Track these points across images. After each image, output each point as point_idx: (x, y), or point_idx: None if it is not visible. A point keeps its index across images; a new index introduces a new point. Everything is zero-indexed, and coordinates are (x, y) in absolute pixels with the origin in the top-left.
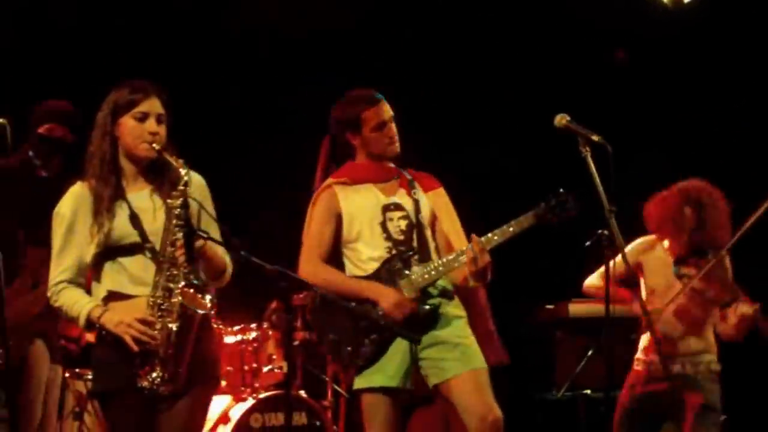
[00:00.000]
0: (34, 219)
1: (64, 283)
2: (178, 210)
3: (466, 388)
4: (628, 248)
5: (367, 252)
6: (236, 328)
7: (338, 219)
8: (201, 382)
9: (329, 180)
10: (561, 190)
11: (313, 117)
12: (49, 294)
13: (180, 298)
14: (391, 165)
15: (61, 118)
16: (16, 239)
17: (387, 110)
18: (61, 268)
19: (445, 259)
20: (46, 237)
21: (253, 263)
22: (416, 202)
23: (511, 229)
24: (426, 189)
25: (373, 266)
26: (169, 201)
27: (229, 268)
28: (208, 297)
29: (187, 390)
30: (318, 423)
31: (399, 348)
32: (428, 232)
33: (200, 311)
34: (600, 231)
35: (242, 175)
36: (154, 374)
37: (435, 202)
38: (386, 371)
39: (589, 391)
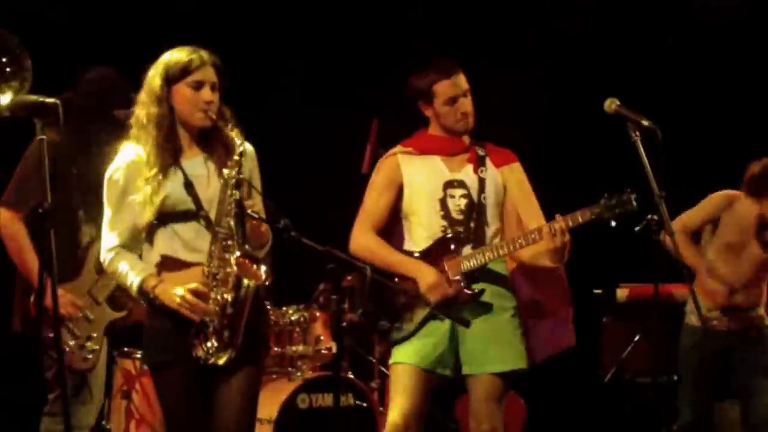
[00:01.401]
0: (90, 196)
1: (118, 248)
2: (234, 181)
3: (480, 390)
4: (707, 200)
5: (422, 227)
6: (284, 308)
7: (398, 189)
8: (256, 352)
9: (395, 148)
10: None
11: (365, 97)
12: (102, 259)
13: (236, 268)
14: (465, 139)
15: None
16: (76, 219)
17: (461, 83)
18: (114, 232)
19: (500, 243)
20: (98, 211)
21: (303, 244)
22: (482, 181)
23: (588, 215)
24: (498, 164)
25: (426, 243)
26: (225, 171)
27: (270, 242)
28: (263, 268)
29: (242, 361)
30: (365, 404)
31: (436, 331)
32: (489, 214)
33: (256, 282)
34: (649, 216)
35: (293, 150)
36: (209, 344)
37: (507, 178)
38: (418, 351)
39: (635, 377)
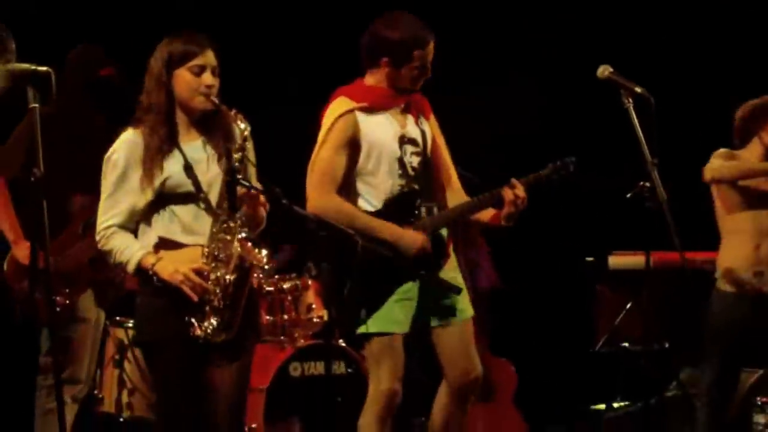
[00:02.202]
0: (77, 165)
1: (114, 227)
2: (239, 164)
3: (454, 338)
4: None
5: (383, 187)
6: (276, 277)
7: (355, 148)
8: (251, 331)
9: (349, 104)
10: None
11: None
12: (97, 238)
13: (239, 249)
14: None
15: (112, 61)
16: (62, 187)
17: (432, 50)
18: (112, 212)
19: (465, 203)
20: (89, 183)
21: (295, 212)
22: (423, 134)
23: (540, 179)
24: (426, 115)
25: (381, 203)
26: (234, 155)
27: (263, 221)
28: (264, 252)
29: (238, 340)
30: (357, 372)
31: (408, 293)
32: (432, 167)
33: (257, 264)
34: (642, 183)
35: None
36: (207, 323)
37: (433, 128)
38: (396, 317)
39: (627, 345)
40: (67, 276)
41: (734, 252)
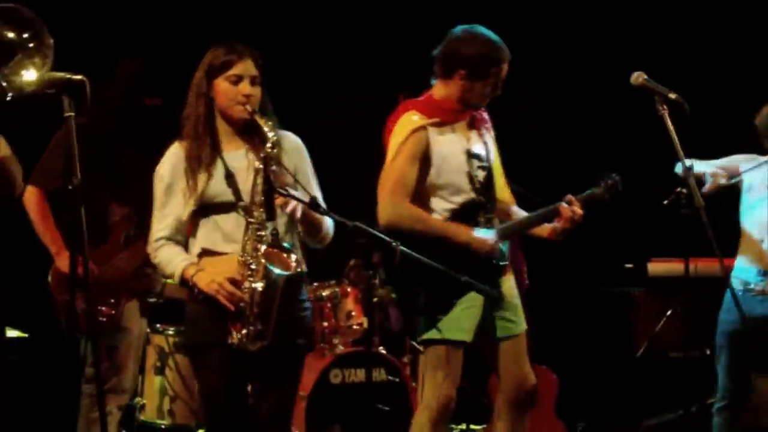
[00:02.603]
0: (115, 176)
1: (163, 240)
2: (272, 172)
3: (511, 350)
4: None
5: (453, 200)
6: (315, 284)
7: (427, 162)
8: (293, 342)
9: (420, 118)
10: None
11: (394, 76)
12: (148, 250)
13: (263, 259)
14: None
15: (154, 84)
16: (101, 197)
17: (506, 70)
18: (160, 225)
19: (529, 217)
20: (129, 195)
21: (335, 220)
22: (486, 148)
23: (594, 197)
24: (489, 130)
25: (449, 215)
26: (256, 162)
27: (327, 227)
28: (293, 257)
29: (279, 350)
30: (397, 379)
31: (475, 301)
32: (493, 180)
33: (285, 272)
34: (678, 189)
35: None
36: (243, 332)
37: (493, 144)
38: (462, 325)
39: (667, 352)
40: (112, 286)
41: (741, 250)
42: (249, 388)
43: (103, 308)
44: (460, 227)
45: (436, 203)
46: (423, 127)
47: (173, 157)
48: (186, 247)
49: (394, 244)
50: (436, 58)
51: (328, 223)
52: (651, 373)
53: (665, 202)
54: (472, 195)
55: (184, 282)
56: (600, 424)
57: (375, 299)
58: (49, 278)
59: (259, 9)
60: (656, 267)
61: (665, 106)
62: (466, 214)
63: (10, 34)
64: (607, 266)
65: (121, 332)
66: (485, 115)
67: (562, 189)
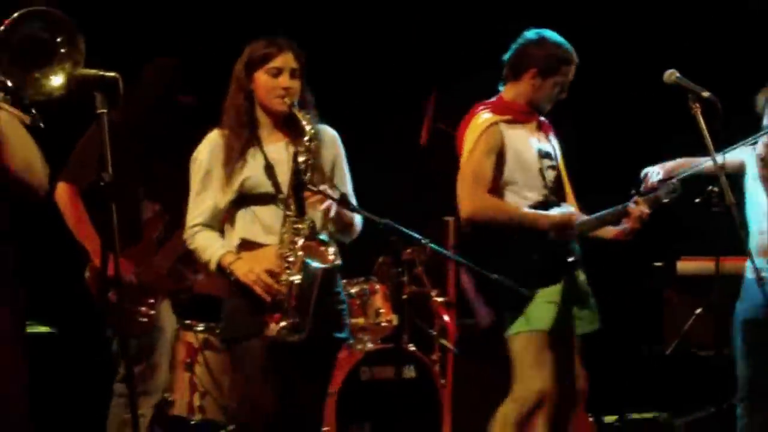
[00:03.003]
0: (148, 174)
1: (200, 226)
2: (304, 166)
3: (576, 349)
4: None
5: (527, 196)
6: (343, 281)
7: (501, 158)
8: (329, 334)
9: (492, 116)
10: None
11: (423, 69)
12: (184, 236)
13: (301, 252)
14: None
15: (186, 82)
16: (134, 195)
17: (573, 73)
18: (197, 211)
19: (605, 212)
20: (161, 194)
21: (364, 217)
22: (554, 150)
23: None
24: (554, 135)
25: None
26: (299, 156)
27: (355, 223)
28: (331, 250)
29: (315, 342)
30: (426, 377)
31: (553, 297)
32: (562, 184)
33: (322, 265)
34: (710, 188)
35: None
36: (281, 324)
37: (559, 154)
38: (546, 316)
39: (697, 350)
40: (150, 287)
41: (752, 237)
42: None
43: (143, 309)
44: (540, 213)
45: (510, 198)
46: (495, 123)
47: (212, 144)
48: (222, 234)
49: (424, 241)
50: (507, 61)
51: (357, 218)
52: (681, 370)
53: (697, 200)
54: (545, 192)
55: (221, 269)
56: (630, 420)
57: (404, 296)
58: (86, 274)
59: (294, 8)
60: (686, 265)
61: (698, 104)
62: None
63: (44, 37)
64: (637, 264)
65: (157, 332)
66: (549, 124)
67: (595, 188)
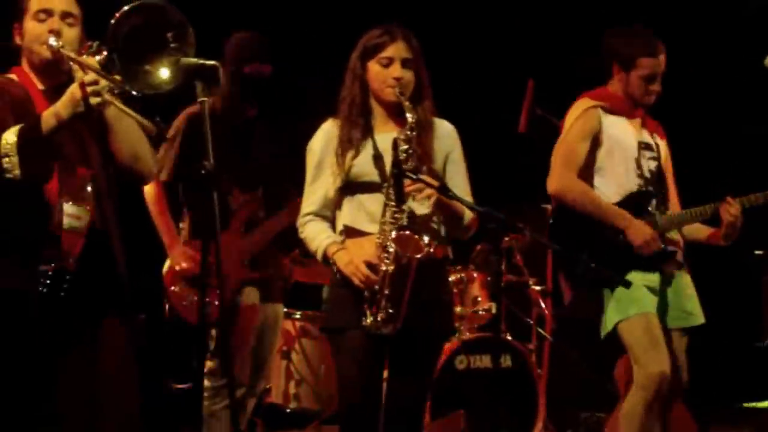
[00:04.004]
0: (235, 162)
1: (311, 216)
2: (405, 155)
3: (681, 343)
4: None
5: (619, 182)
6: None
7: (596, 142)
8: (429, 326)
9: (592, 101)
10: None
11: (522, 57)
12: (297, 225)
13: (392, 243)
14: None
15: (262, 53)
16: (225, 184)
17: (662, 64)
18: (309, 201)
19: (695, 210)
20: (249, 180)
21: (464, 204)
22: (657, 146)
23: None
24: (661, 137)
25: (615, 198)
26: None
27: (469, 217)
28: (425, 239)
29: (415, 334)
30: (523, 366)
31: (653, 283)
32: (666, 182)
33: (416, 255)
34: None
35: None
36: (375, 314)
37: (666, 152)
38: (648, 299)
39: None
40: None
41: None
42: (385, 373)
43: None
44: (620, 211)
45: (603, 184)
46: (595, 107)
47: (326, 134)
48: (333, 222)
49: (522, 229)
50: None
51: (468, 212)
52: None
53: None
54: (640, 182)
55: (325, 258)
56: (727, 411)
57: (502, 285)
58: (165, 268)
59: None
60: None
61: None
62: (637, 200)
63: (158, 33)
64: (736, 252)
65: (236, 326)
66: (659, 125)
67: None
